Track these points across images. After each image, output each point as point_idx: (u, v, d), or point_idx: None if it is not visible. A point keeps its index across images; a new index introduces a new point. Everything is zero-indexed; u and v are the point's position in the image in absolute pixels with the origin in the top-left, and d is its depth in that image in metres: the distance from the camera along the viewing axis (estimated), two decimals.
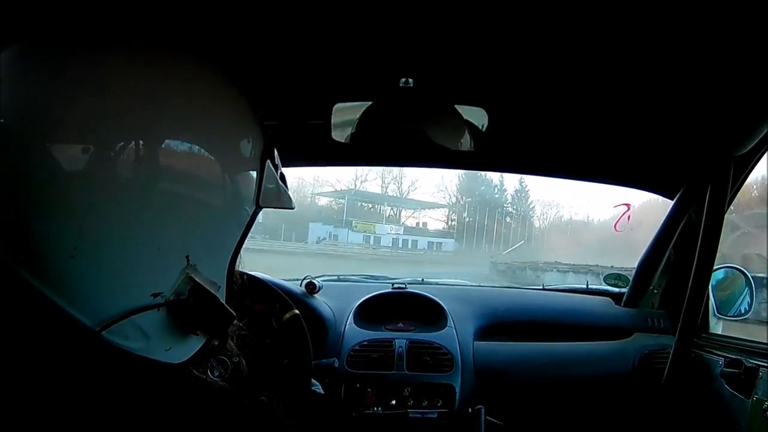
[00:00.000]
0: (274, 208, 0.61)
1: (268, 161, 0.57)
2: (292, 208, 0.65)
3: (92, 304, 0.46)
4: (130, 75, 0.48)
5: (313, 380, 0.94)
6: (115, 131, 0.46)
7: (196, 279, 0.49)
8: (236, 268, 0.57)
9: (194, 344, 0.52)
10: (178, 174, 0.48)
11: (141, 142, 0.46)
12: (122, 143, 0.46)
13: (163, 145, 0.47)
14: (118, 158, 0.46)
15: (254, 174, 0.55)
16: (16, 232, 0.45)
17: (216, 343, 0.55)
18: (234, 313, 0.54)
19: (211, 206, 0.51)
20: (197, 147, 0.50)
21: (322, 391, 0.96)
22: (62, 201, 0.44)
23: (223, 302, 0.53)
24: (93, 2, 0.56)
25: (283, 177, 0.62)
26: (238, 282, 0.60)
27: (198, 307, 0.50)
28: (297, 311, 0.93)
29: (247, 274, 0.93)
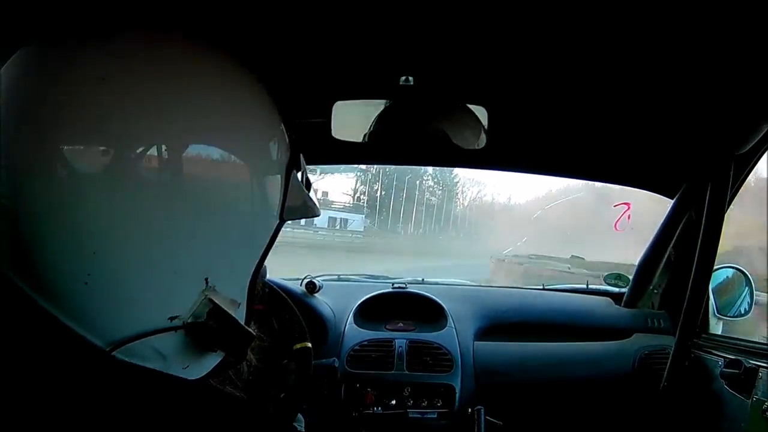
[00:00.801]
0: (299, 219, 0.58)
1: (294, 171, 0.54)
2: (317, 215, 0.62)
3: (106, 328, 0.45)
4: (154, 76, 0.45)
5: (299, 415, 0.90)
6: (131, 153, 0.43)
7: (215, 300, 0.48)
8: (258, 283, 0.55)
9: (212, 360, 0.51)
10: (197, 195, 0.46)
11: (159, 164, 0.44)
12: (139, 166, 0.44)
13: (183, 165, 0.45)
14: (133, 182, 0.43)
15: (279, 187, 0.52)
16: (29, 256, 0.44)
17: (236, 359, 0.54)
18: (253, 333, 0.53)
19: (231, 225, 0.48)
20: (219, 167, 0.47)
21: (302, 430, 0.92)
22: (75, 226, 0.43)
23: (241, 320, 0.51)
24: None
25: (308, 183, 0.59)
26: (260, 294, 0.59)
27: (216, 328, 0.48)
28: (310, 344, 0.89)
29: (269, 287, 0.89)
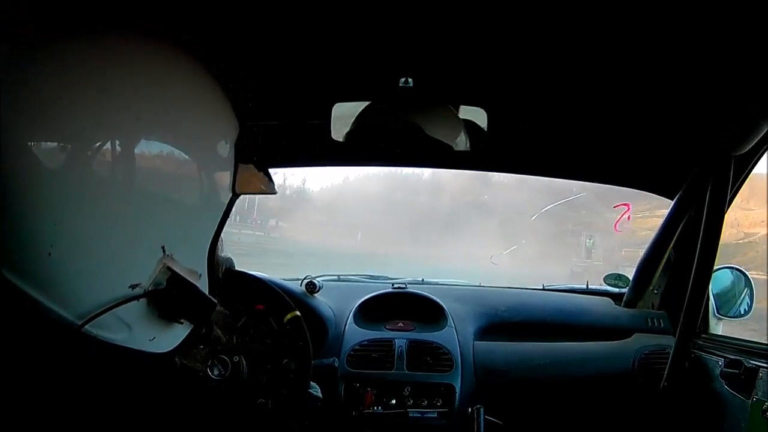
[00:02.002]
0: (254, 194, 0.60)
1: (241, 149, 0.57)
2: (274, 193, 0.65)
3: (72, 299, 0.46)
4: (97, 65, 0.48)
5: (312, 383, 0.93)
6: (86, 129, 0.46)
7: (174, 269, 0.50)
8: (217, 255, 0.57)
9: (180, 333, 0.53)
10: (148, 168, 0.48)
11: (112, 139, 0.46)
12: (94, 141, 0.46)
13: (134, 142, 0.47)
14: (89, 156, 0.46)
15: (228, 163, 0.55)
16: None
17: (203, 331, 0.56)
18: (215, 301, 0.54)
19: (182, 197, 0.51)
20: (167, 141, 0.49)
21: (320, 395, 0.95)
22: (37, 201, 0.45)
23: (205, 290, 0.53)
24: None
25: (260, 162, 0.61)
26: (221, 270, 0.60)
27: (177, 295, 0.50)
28: (298, 312, 0.93)
29: (247, 274, 0.93)
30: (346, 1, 0.81)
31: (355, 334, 1.33)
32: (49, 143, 0.45)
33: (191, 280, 0.51)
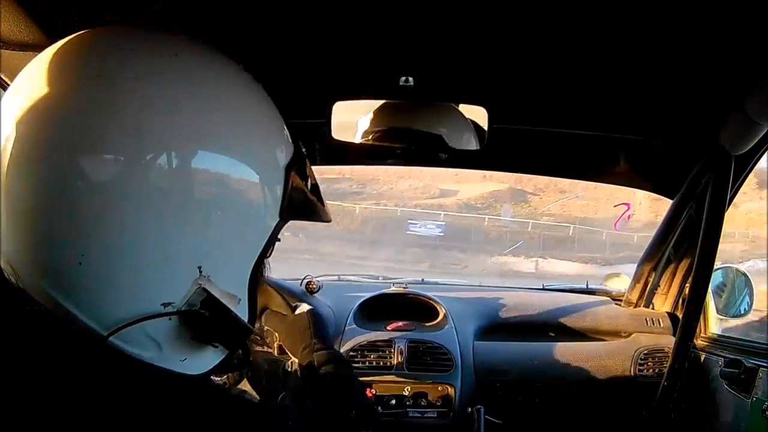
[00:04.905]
0: (304, 220, 0.58)
1: (294, 172, 0.54)
2: (328, 221, 0.62)
3: (100, 311, 0.45)
4: (147, 73, 0.46)
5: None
6: (123, 141, 0.45)
7: (211, 291, 0.48)
8: (264, 280, 0.55)
9: (213, 357, 0.51)
10: (187, 184, 0.46)
11: (152, 150, 0.45)
12: (130, 153, 0.45)
13: (174, 157, 0.46)
14: (125, 168, 0.45)
15: (278, 185, 0.53)
16: (26, 237, 0.45)
17: (241, 356, 0.54)
18: (252, 327, 0.53)
19: (223, 216, 0.48)
20: (213, 155, 0.48)
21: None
22: (69, 209, 0.44)
23: (244, 316, 0.52)
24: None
25: (315, 188, 0.59)
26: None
27: (211, 318, 0.49)
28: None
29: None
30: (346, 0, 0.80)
31: (355, 334, 1.33)
32: (85, 154, 0.44)
33: (228, 305, 0.50)
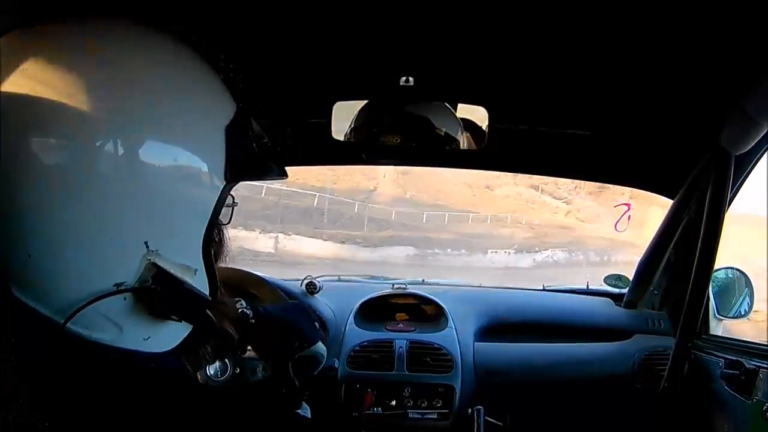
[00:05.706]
0: (254, 180, 0.57)
1: (236, 131, 0.52)
2: (283, 177, 0.60)
3: (57, 301, 0.46)
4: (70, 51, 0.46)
5: (303, 404, 0.90)
6: (53, 126, 0.44)
7: (161, 265, 0.48)
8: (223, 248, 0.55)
9: (178, 332, 0.51)
10: (123, 161, 0.46)
11: (84, 131, 0.45)
12: (64, 134, 0.45)
13: (108, 131, 0.45)
14: (61, 152, 0.45)
15: (218, 147, 0.51)
16: None
17: (208, 328, 0.53)
18: (208, 297, 0.52)
19: (164, 188, 0.48)
20: (141, 130, 0.47)
21: (308, 416, 0.90)
22: (12, 204, 0.44)
23: (203, 286, 0.51)
24: None
25: (265, 146, 0.56)
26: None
27: (165, 292, 0.48)
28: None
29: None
30: (346, 0, 0.80)
31: (355, 335, 1.33)
32: (19, 140, 0.44)
33: (183, 276, 0.49)
